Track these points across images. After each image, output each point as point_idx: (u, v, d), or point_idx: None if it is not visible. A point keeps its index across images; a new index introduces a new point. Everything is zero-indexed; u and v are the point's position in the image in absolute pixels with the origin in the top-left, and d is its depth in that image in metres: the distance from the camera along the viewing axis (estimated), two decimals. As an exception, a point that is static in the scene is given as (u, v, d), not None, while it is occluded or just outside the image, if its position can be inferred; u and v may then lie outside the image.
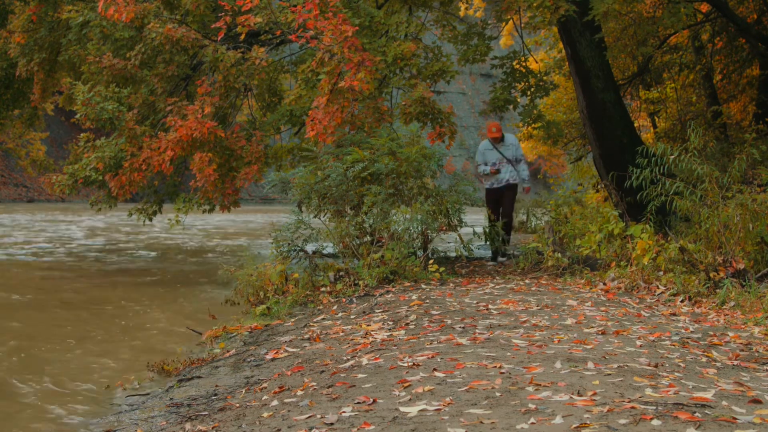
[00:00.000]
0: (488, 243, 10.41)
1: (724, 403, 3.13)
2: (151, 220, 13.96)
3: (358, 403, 3.44)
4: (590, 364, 3.84)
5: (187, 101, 11.49)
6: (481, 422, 2.96)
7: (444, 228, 9.19)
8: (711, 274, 6.73)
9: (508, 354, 4.21)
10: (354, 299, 7.19)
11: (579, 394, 3.25)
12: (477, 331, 5.03)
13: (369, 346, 4.82)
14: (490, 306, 6.12)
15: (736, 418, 2.86)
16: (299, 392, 3.90)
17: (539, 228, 12.43)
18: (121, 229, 21.52)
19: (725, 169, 7.94)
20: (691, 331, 5.10)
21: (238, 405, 4.01)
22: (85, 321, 8.06)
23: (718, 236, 7.12)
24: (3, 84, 16.91)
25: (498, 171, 10.40)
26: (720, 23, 13.98)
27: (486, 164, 10.57)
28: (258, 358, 5.31)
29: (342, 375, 4.08)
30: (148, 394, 5.07)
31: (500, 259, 10.20)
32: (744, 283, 6.50)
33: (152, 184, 13.47)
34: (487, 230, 10.31)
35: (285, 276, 8.14)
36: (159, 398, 4.81)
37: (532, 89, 13.76)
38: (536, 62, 15.83)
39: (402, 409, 3.25)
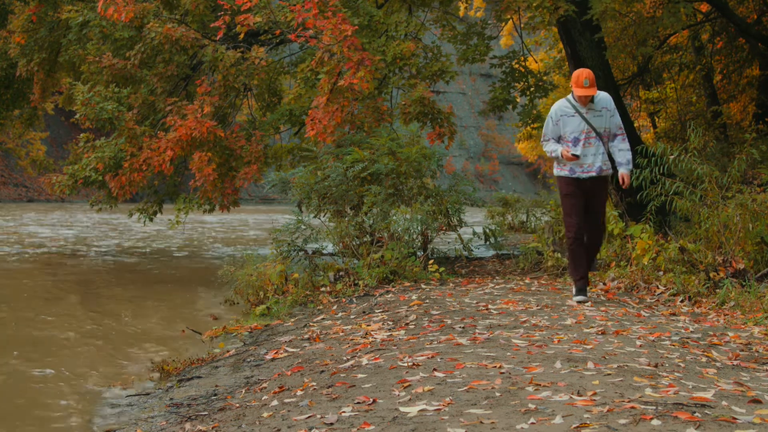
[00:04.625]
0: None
1: (724, 403, 3.13)
2: (151, 220, 13.97)
3: (358, 403, 3.44)
4: (590, 364, 3.84)
5: (187, 101, 11.50)
6: (481, 422, 2.95)
7: (444, 228, 9.18)
8: (711, 274, 6.73)
9: (508, 354, 4.20)
10: (354, 299, 7.19)
11: (579, 394, 3.25)
12: (477, 331, 5.02)
13: (369, 346, 4.82)
14: (490, 306, 6.12)
15: (736, 418, 2.86)
16: (299, 392, 3.90)
17: (539, 228, 12.42)
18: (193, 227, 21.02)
19: (725, 169, 7.94)
20: (691, 331, 5.10)
21: (238, 405, 4.01)
22: (84, 321, 8.06)
23: (718, 236, 7.12)
24: (3, 84, 16.93)
25: (577, 156, 6.22)
26: (720, 23, 13.99)
27: (559, 140, 6.39)
28: (258, 358, 5.31)
29: (342, 375, 4.08)
30: (148, 394, 5.07)
31: (576, 298, 6.37)
32: (744, 283, 6.50)
33: (152, 184, 13.48)
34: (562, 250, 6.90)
35: (285, 276, 8.14)
36: (159, 398, 4.81)
37: (532, 89, 13.76)
38: (536, 62, 15.84)
39: (402, 409, 3.25)
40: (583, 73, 6.20)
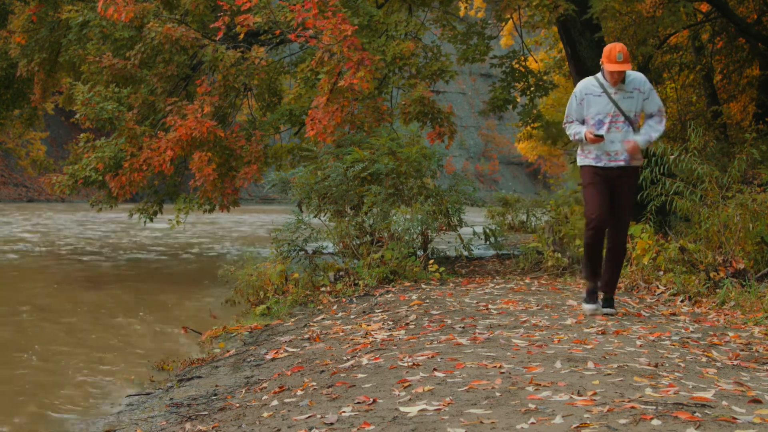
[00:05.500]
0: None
1: (724, 403, 3.13)
2: (152, 220, 13.96)
3: (358, 403, 3.44)
4: (590, 364, 3.84)
5: (187, 101, 11.49)
6: (481, 422, 2.95)
7: (444, 228, 9.18)
8: (711, 274, 6.73)
9: (508, 354, 4.20)
10: (354, 299, 7.19)
11: (579, 394, 3.25)
12: (477, 331, 5.03)
13: (369, 346, 4.82)
14: (490, 306, 6.12)
15: (736, 418, 2.86)
16: (299, 392, 3.90)
17: (539, 228, 12.41)
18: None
19: (725, 169, 7.94)
20: (691, 331, 5.10)
21: (238, 405, 4.01)
22: (84, 320, 8.06)
23: (718, 236, 7.12)
24: (3, 84, 16.92)
25: (601, 138, 5.52)
26: (720, 23, 13.99)
27: (583, 123, 5.71)
28: (258, 358, 5.31)
29: (342, 375, 4.08)
30: (148, 394, 5.07)
31: (605, 310, 5.70)
32: (744, 283, 6.50)
33: (152, 184, 13.47)
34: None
35: (285, 276, 8.15)
36: (159, 398, 4.81)
37: (532, 89, 13.76)
38: (536, 62, 15.85)
39: (402, 409, 3.25)
40: (616, 47, 5.49)
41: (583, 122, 5.68)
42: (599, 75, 5.66)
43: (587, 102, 5.63)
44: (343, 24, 8.76)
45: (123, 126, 10.80)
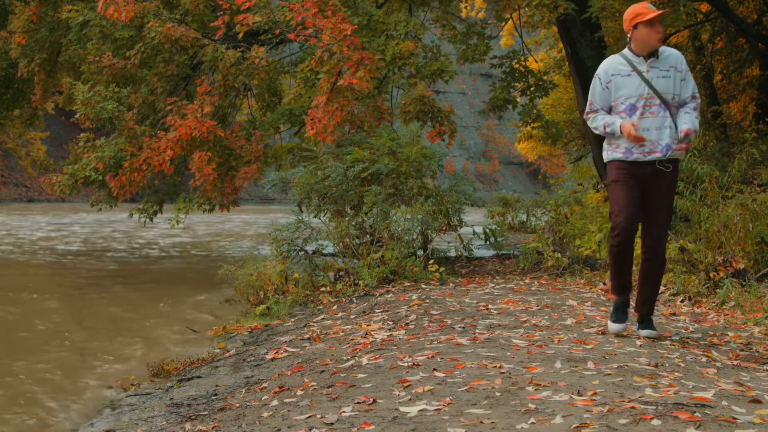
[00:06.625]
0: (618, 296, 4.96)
1: (724, 403, 3.13)
2: (152, 220, 13.96)
3: (358, 403, 3.44)
4: (590, 364, 3.84)
5: (187, 101, 11.49)
6: (481, 422, 2.95)
7: (444, 228, 9.18)
8: (711, 274, 6.73)
9: (508, 354, 4.20)
10: (354, 299, 7.19)
11: (579, 394, 3.25)
12: (477, 331, 5.03)
13: (369, 346, 4.82)
14: (490, 306, 6.12)
15: (736, 418, 2.86)
16: (299, 392, 3.90)
17: (539, 228, 12.41)
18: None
19: (725, 169, 7.94)
20: (691, 331, 5.11)
21: (238, 405, 4.00)
22: (85, 320, 8.06)
23: (718, 236, 7.12)
24: (3, 84, 16.93)
25: (643, 138, 4.57)
26: (720, 23, 13.98)
27: (610, 111, 4.77)
28: (258, 358, 5.31)
29: (342, 375, 4.08)
30: (148, 394, 5.07)
31: (644, 332, 4.79)
32: (744, 283, 6.50)
33: (152, 184, 13.47)
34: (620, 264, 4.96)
35: (285, 276, 8.15)
36: (159, 398, 4.81)
37: (532, 89, 13.75)
38: (536, 62, 15.84)
39: (402, 409, 3.24)
40: (641, 3, 4.68)
41: (609, 110, 4.75)
42: (625, 51, 4.74)
43: (615, 84, 4.68)
44: (343, 23, 8.76)
45: (123, 126, 10.80)
